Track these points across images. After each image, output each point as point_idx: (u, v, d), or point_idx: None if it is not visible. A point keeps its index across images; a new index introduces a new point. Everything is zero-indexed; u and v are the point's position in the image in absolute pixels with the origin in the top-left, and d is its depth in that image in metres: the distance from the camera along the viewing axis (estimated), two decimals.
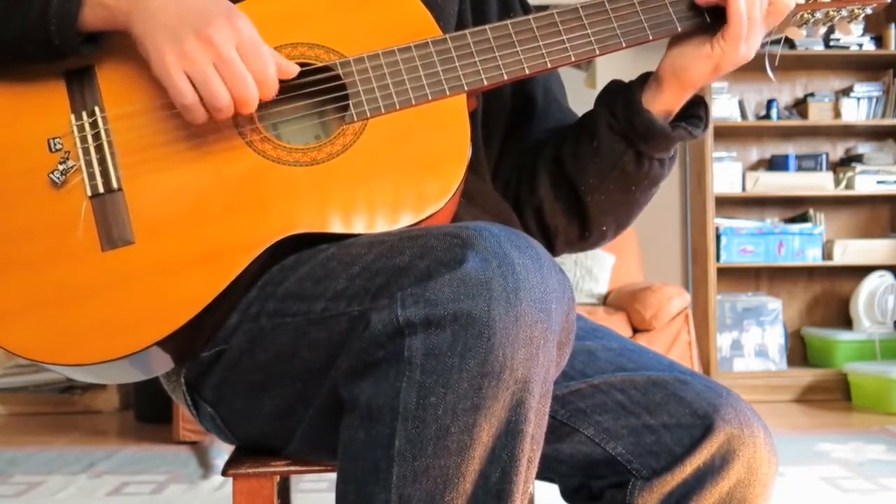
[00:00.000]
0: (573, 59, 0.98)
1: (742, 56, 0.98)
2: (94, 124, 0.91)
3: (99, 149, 0.91)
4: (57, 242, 0.89)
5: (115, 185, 0.90)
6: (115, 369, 0.90)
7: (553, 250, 1.14)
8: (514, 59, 0.96)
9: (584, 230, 1.11)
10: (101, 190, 0.90)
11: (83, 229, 0.89)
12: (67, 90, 0.93)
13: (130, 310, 0.87)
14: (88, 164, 0.90)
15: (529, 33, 0.97)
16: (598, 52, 0.98)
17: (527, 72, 0.97)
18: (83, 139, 0.91)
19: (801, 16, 1.04)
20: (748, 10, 0.96)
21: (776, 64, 1.07)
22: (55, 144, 0.91)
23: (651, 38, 0.99)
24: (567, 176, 1.08)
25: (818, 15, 1.04)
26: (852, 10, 1.04)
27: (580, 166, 1.07)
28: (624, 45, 0.98)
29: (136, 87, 0.92)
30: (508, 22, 0.97)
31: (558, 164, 1.09)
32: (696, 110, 1.05)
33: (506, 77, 0.96)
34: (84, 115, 0.92)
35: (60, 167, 0.90)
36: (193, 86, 0.86)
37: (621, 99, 1.04)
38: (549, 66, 0.97)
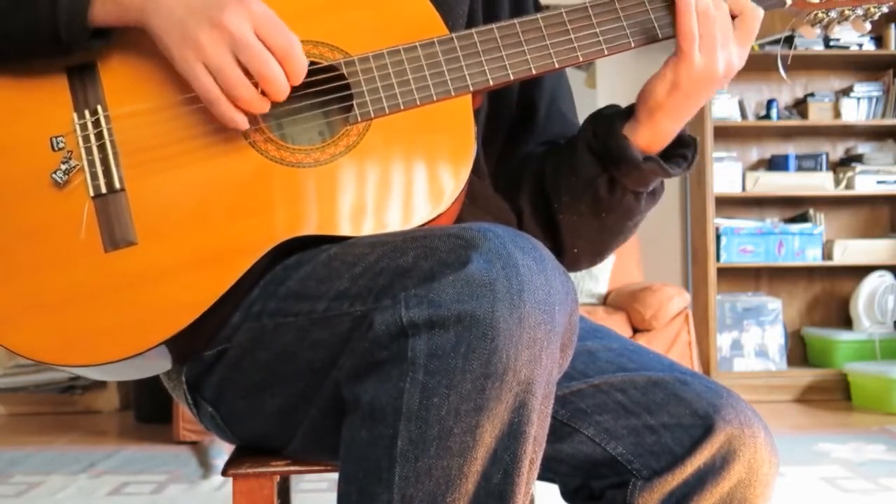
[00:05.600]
0: (581, 59, 0.96)
1: (702, 71, 0.95)
2: (96, 123, 0.91)
3: (101, 148, 0.90)
4: (60, 244, 0.89)
5: (117, 185, 0.90)
6: (117, 368, 0.90)
7: None
8: (520, 58, 0.95)
9: (557, 249, 1.08)
10: (104, 190, 0.89)
11: (86, 230, 0.89)
12: (70, 88, 0.92)
13: (133, 311, 0.87)
14: (91, 163, 0.90)
15: (537, 32, 0.96)
16: (606, 51, 0.97)
17: (533, 72, 0.96)
18: (85, 138, 0.90)
19: (816, 15, 1.02)
20: (699, 28, 0.93)
21: (788, 62, 1.06)
22: (58, 143, 0.90)
23: (661, 36, 0.98)
24: (544, 190, 1.07)
25: (832, 14, 1.02)
26: (868, 9, 1.02)
27: (556, 182, 1.06)
28: (633, 44, 0.97)
29: (140, 85, 0.92)
30: (516, 21, 0.96)
31: (539, 177, 1.08)
32: (683, 150, 1.02)
33: (512, 77, 0.95)
34: (87, 113, 0.91)
35: (63, 167, 0.89)
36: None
37: (605, 121, 1.02)
38: (557, 66, 0.96)
